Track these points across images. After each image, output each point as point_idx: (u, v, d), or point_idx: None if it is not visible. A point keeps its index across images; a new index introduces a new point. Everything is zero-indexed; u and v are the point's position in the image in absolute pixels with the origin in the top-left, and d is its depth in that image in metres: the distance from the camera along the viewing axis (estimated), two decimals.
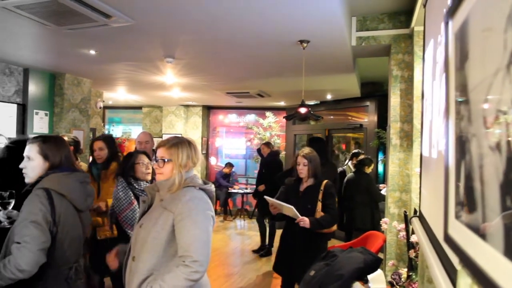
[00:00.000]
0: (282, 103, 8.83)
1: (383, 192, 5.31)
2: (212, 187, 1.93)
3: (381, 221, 3.78)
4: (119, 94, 7.72)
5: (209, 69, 5.30)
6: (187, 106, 9.65)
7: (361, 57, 5.14)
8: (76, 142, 3.94)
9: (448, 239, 0.98)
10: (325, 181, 3.25)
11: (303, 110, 3.91)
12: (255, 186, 6.68)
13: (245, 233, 7.97)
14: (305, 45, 3.83)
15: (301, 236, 3.15)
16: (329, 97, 7.64)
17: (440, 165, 1.34)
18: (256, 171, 7.14)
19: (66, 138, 3.18)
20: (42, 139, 1.98)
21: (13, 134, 5.07)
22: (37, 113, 5.63)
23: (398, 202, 4.12)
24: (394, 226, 3.63)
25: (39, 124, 5.64)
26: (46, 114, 5.76)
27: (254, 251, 6.25)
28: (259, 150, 6.74)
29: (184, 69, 5.19)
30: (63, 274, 1.86)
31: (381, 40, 4.21)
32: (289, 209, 3.05)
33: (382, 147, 6.92)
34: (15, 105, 5.33)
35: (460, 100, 0.86)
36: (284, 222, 3.41)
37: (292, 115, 4.07)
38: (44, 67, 5.46)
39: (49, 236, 1.77)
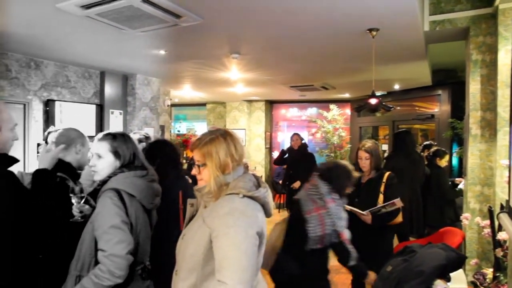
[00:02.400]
0: (346, 95, 8.61)
1: (460, 185, 4.98)
2: (263, 192, 1.54)
3: (461, 217, 3.54)
4: (185, 91, 8.00)
5: (274, 64, 5.29)
6: (250, 101, 9.75)
7: (434, 43, 4.84)
8: (147, 138, 4.13)
9: None
10: (387, 173, 3.17)
11: (373, 101, 3.78)
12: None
13: None
14: (374, 33, 3.68)
15: (363, 230, 3.08)
16: (396, 87, 7.31)
17: None
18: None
19: (138, 135, 3.31)
20: (112, 136, 1.92)
21: (92, 133, 5.44)
22: (112, 113, 6.00)
23: (479, 196, 3.84)
24: (477, 222, 3.38)
25: (115, 123, 6.01)
26: (120, 113, 6.12)
27: None
28: (282, 152, 6.43)
29: (249, 64, 5.24)
30: (136, 273, 1.84)
31: (457, 22, 3.93)
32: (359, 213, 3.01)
33: (457, 138, 6.49)
34: (94, 106, 5.72)
35: None
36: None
37: (361, 106, 3.94)
38: (117, 69, 5.80)
39: (131, 237, 1.75)
